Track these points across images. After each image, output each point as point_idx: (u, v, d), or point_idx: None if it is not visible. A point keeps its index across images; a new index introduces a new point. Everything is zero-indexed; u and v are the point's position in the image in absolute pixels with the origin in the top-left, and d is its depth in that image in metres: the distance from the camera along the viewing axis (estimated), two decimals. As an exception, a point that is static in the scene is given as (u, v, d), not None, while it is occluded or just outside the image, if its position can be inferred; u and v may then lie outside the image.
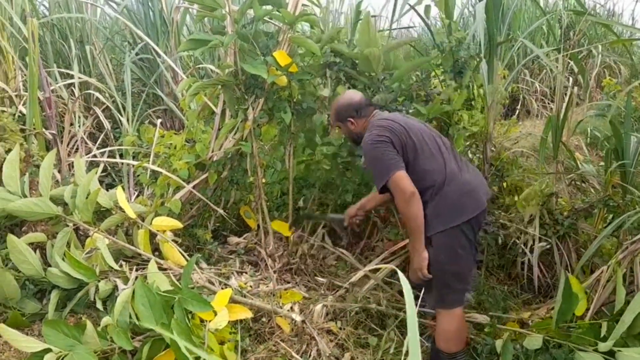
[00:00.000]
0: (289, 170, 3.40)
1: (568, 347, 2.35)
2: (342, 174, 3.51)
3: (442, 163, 2.51)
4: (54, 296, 2.49)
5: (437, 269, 2.47)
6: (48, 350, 1.98)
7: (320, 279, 3.28)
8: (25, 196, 2.70)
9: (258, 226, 3.49)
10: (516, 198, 3.50)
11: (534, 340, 2.42)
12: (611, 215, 3.29)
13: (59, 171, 3.44)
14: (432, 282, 2.52)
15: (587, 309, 2.57)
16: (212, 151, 3.37)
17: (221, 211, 3.43)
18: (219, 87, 3.30)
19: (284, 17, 3.03)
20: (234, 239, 3.57)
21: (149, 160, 3.58)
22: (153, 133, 3.86)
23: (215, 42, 2.93)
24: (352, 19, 4.43)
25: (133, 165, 4.33)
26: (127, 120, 4.93)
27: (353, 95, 2.79)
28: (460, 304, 2.52)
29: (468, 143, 3.66)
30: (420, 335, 2.78)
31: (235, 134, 3.31)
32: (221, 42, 2.92)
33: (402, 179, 2.38)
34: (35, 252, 2.58)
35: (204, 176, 3.37)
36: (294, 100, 3.26)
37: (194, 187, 3.31)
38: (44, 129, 3.40)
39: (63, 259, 2.52)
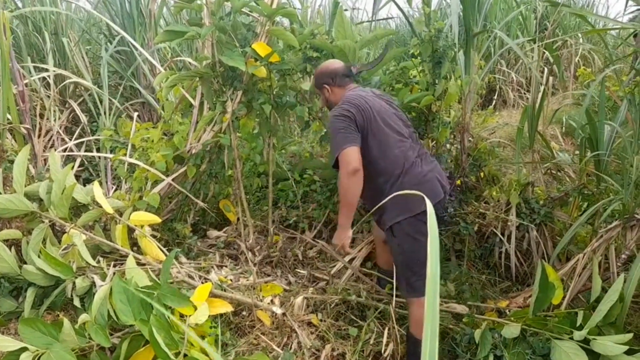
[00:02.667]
0: (269, 163, 3.39)
1: (545, 335, 2.40)
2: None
3: (402, 153, 2.55)
4: (30, 294, 2.46)
5: (404, 257, 2.53)
6: (25, 349, 1.95)
7: (300, 271, 3.29)
8: (-1, 193, 2.66)
9: (238, 219, 3.49)
10: (494, 192, 3.53)
11: (511, 329, 2.46)
12: (586, 204, 3.35)
13: (34, 166, 3.39)
14: (400, 272, 2.56)
15: (564, 297, 2.62)
16: (190, 144, 3.34)
17: (202, 204, 3.41)
18: (197, 79, 3.27)
19: (263, 9, 3.01)
20: (213, 233, 3.56)
21: (126, 154, 3.54)
22: (130, 127, 3.82)
23: (192, 34, 2.90)
24: (329, 11, 4.42)
25: (110, 159, 4.28)
26: (104, 113, 4.87)
27: (333, 62, 2.83)
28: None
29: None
30: (400, 326, 2.80)
31: (213, 126, 3.29)
32: (198, 34, 2.89)
33: (351, 153, 2.42)
34: (10, 249, 2.54)
35: (182, 169, 3.34)
36: (274, 92, 3.25)
37: (172, 181, 3.28)
38: (18, 124, 3.34)
39: (39, 256, 2.49)
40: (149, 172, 3.24)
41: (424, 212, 2.46)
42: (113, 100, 5.03)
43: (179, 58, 5.65)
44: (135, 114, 4.75)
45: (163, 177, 3.23)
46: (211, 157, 3.38)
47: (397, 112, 2.75)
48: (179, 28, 2.99)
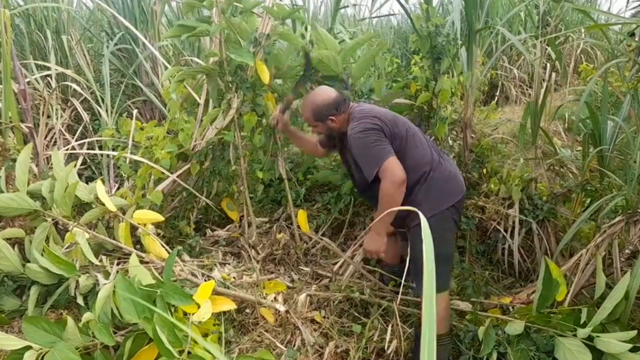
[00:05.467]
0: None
1: (549, 332, 2.39)
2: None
3: (428, 152, 2.59)
4: (33, 292, 2.46)
5: None
6: (28, 348, 1.95)
7: (304, 268, 3.28)
8: (1, 191, 2.66)
9: (240, 217, 3.49)
10: (493, 184, 3.53)
11: (515, 326, 2.45)
12: (589, 200, 3.34)
13: (37, 165, 3.39)
14: (420, 268, 2.54)
15: (567, 293, 2.61)
16: (195, 141, 3.34)
17: (207, 200, 3.41)
18: (202, 76, 3.27)
19: (278, 12, 3.01)
20: (216, 231, 3.56)
21: (128, 152, 3.54)
22: (129, 125, 3.80)
23: (202, 30, 2.91)
24: (332, 7, 4.42)
25: (113, 157, 4.28)
26: (106, 111, 4.87)
27: (329, 92, 2.73)
28: (447, 287, 2.60)
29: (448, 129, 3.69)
30: (404, 322, 2.80)
31: (217, 123, 3.29)
32: (207, 30, 2.91)
33: (395, 165, 2.42)
34: (13, 247, 2.54)
35: (186, 166, 3.34)
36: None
37: (176, 178, 3.29)
38: (20, 122, 3.34)
39: (42, 255, 2.49)
40: (152, 169, 3.23)
41: (453, 207, 2.54)
42: (115, 98, 5.04)
43: (188, 57, 5.65)
44: (135, 111, 4.70)
45: (168, 173, 3.22)
46: (215, 154, 3.38)
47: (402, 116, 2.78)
48: (191, 23, 3.00)
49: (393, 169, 2.40)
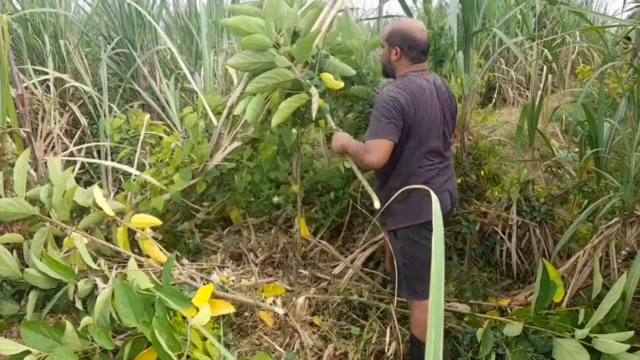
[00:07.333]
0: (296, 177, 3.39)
1: (547, 333, 2.40)
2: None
3: (425, 170, 2.49)
4: (32, 297, 2.46)
5: (407, 261, 2.53)
6: (27, 352, 1.96)
7: (302, 271, 3.29)
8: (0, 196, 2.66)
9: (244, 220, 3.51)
10: (496, 192, 3.54)
11: (513, 328, 2.46)
12: (586, 201, 3.35)
13: (35, 170, 3.39)
14: (402, 274, 2.55)
15: (565, 294, 2.62)
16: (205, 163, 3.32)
17: (205, 216, 3.40)
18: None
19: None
20: (215, 234, 3.56)
21: (133, 151, 3.48)
22: (142, 118, 3.69)
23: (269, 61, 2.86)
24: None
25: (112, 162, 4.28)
26: (104, 116, 4.87)
27: (419, 32, 2.50)
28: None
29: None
30: (402, 325, 2.80)
31: (224, 151, 3.27)
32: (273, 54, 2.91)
33: (382, 149, 2.35)
34: (12, 252, 2.55)
35: (194, 181, 3.31)
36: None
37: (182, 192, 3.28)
38: (18, 127, 3.34)
39: (41, 259, 2.49)
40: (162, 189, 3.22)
41: (430, 221, 2.45)
42: (113, 102, 5.05)
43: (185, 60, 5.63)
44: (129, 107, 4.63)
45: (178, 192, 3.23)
46: (222, 173, 3.36)
47: (449, 115, 2.58)
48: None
49: (377, 149, 2.35)
